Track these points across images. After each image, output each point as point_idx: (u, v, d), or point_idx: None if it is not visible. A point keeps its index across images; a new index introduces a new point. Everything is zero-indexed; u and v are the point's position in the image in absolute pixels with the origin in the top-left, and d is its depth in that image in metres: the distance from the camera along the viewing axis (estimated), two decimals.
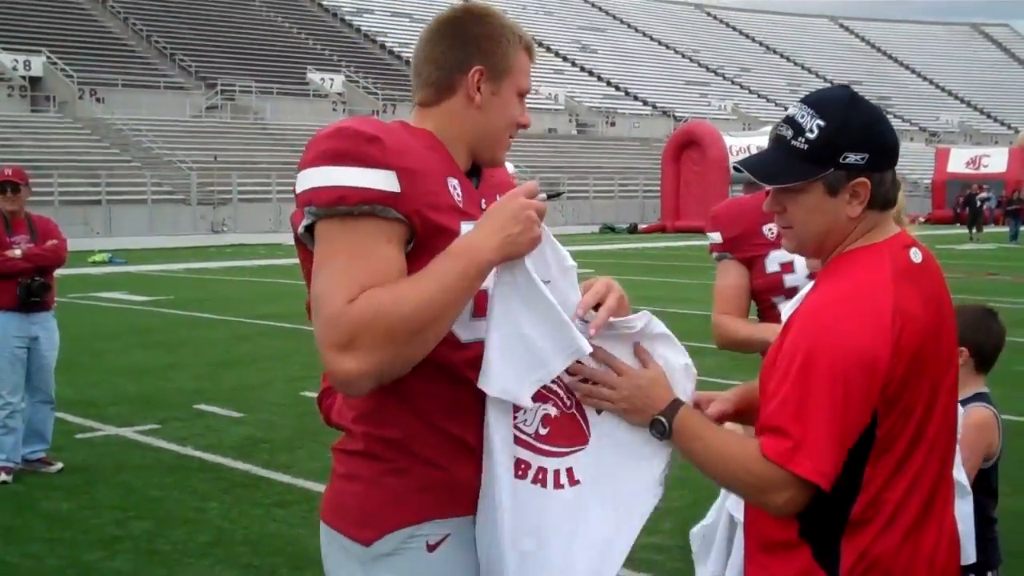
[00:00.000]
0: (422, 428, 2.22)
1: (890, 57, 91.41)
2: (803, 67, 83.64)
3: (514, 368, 2.18)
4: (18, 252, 7.39)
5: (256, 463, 7.79)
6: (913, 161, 61.36)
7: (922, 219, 52.46)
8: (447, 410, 2.23)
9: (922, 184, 59.84)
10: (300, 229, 2.16)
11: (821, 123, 2.17)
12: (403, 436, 2.21)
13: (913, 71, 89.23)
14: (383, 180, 2.08)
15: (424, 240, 2.14)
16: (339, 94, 54.71)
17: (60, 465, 7.64)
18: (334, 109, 53.42)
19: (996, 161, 52.21)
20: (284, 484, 7.28)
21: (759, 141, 39.35)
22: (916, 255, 2.24)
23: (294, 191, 2.17)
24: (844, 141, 2.15)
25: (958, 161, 54.24)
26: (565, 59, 71.03)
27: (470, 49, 2.28)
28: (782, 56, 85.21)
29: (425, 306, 2.05)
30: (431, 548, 2.23)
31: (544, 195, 2.27)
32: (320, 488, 6.51)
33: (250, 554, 5.93)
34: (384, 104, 55.06)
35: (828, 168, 2.16)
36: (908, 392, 2.13)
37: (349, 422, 2.29)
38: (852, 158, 2.15)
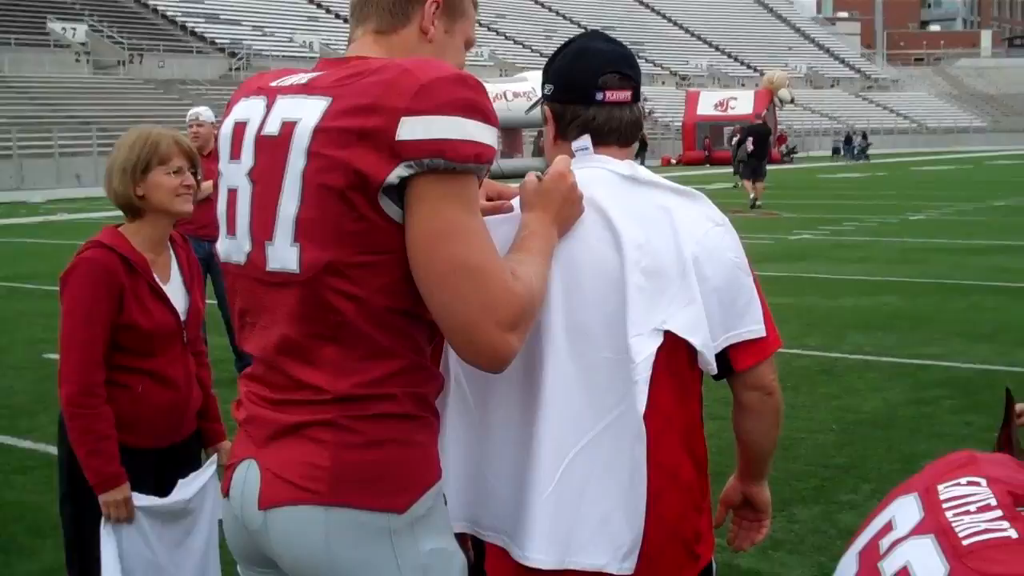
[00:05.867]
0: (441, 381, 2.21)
1: (642, 3, 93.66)
2: (558, 13, 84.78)
3: None
4: None
5: None
6: (665, 105, 63.25)
7: (674, 160, 54.27)
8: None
9: (674, 127, 61.81)
10: (392, 179, 1.90)
11: None
12: (433, 391, 2.13)
13: (665, 16, 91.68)
14: (495, 138, 2.01)
15: None
16: (82, 44, 52.36)
17: None
18: (77, 60, 51.29)
19: (742, 103, 54.19)
20: (24, 450, 6.92)
21: (517, 87, 39.73)
22: None
23: (393, 136, 1.87)
24: (545, 77, 2.43)
25: (707, 104, 56.25)
26: (319, 6, 69.98)
27: None
28: (537, 2, 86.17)
29: (545, 286, 2.13)
30: (446, 501, 2.17)
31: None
32: None
33: None
34: (131, 54, 53.11)
35: (541, 100, 2.46)
36: None
37: (371, 385, 2.01)
38: (546, 89, 2.43)
